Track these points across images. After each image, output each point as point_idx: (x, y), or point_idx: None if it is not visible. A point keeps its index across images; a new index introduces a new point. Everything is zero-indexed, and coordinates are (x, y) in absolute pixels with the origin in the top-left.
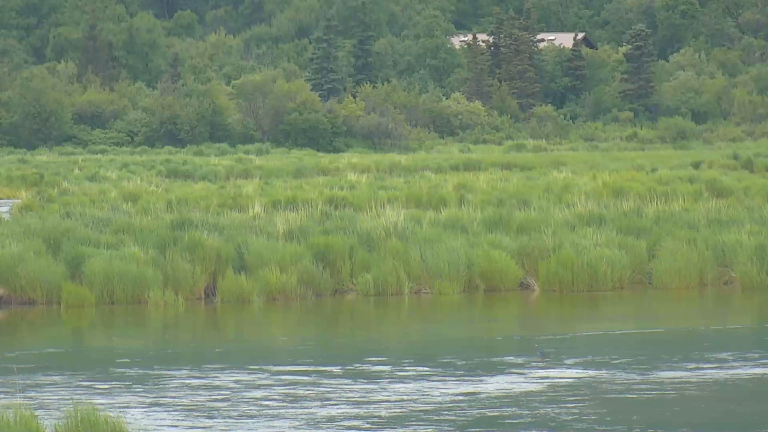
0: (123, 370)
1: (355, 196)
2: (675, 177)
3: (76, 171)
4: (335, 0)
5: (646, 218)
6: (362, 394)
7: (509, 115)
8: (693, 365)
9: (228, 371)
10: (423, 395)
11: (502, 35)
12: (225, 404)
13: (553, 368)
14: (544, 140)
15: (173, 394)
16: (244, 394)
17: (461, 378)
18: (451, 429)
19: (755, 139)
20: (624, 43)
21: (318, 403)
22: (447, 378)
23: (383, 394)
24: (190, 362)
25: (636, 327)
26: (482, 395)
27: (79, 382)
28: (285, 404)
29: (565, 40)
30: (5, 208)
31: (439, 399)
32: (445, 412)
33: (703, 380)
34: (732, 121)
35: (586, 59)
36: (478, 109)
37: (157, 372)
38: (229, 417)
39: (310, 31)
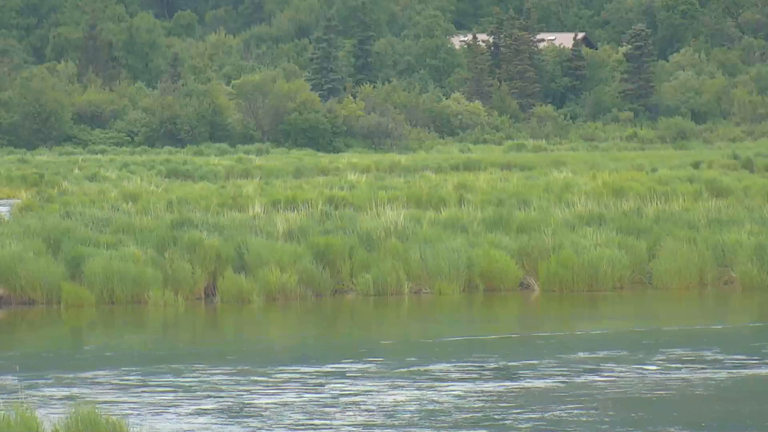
0: (123, 370)
1: (355, 196)
2: (675, 177)
3: (76, 171)
4: (335, 0)
5: (646, 218)
6: (362, 394)
7: (509, 115)
8: (693, 365)
9: (228, 371)
10: (423, 395)
11: (502, 35)
12: (225, 404)
13: (553, 368)
14: (544, 140)
15: (173, 394)
16: (244, 394)
17: (461, 378)
18: (451, 429)
19: (755, 139)
20: (624, 43)
21: (317, 403)
22: (447, 378)
23: (383, 394)
24: (190, 362)
25: (636, 327)
26: (482, 395)
27: (79, 382)
28: (284, 404)
29: (565, 40)
30: (5, 208)
31: (440, 399)
32: (445, 413)
33: (703, 380)
34: (732, 121)
35: (586, 59)
36: (478, 109)
37: (157, 372)
38: (229, 417)
39: (310, 31)
